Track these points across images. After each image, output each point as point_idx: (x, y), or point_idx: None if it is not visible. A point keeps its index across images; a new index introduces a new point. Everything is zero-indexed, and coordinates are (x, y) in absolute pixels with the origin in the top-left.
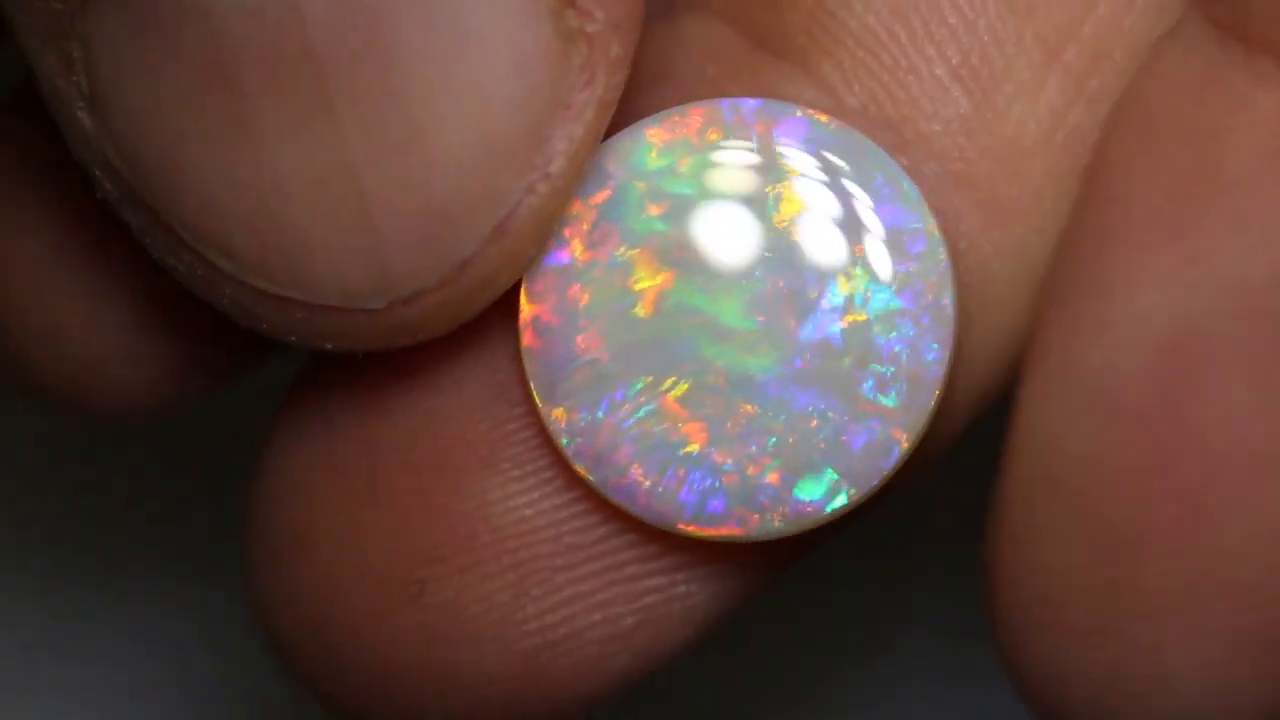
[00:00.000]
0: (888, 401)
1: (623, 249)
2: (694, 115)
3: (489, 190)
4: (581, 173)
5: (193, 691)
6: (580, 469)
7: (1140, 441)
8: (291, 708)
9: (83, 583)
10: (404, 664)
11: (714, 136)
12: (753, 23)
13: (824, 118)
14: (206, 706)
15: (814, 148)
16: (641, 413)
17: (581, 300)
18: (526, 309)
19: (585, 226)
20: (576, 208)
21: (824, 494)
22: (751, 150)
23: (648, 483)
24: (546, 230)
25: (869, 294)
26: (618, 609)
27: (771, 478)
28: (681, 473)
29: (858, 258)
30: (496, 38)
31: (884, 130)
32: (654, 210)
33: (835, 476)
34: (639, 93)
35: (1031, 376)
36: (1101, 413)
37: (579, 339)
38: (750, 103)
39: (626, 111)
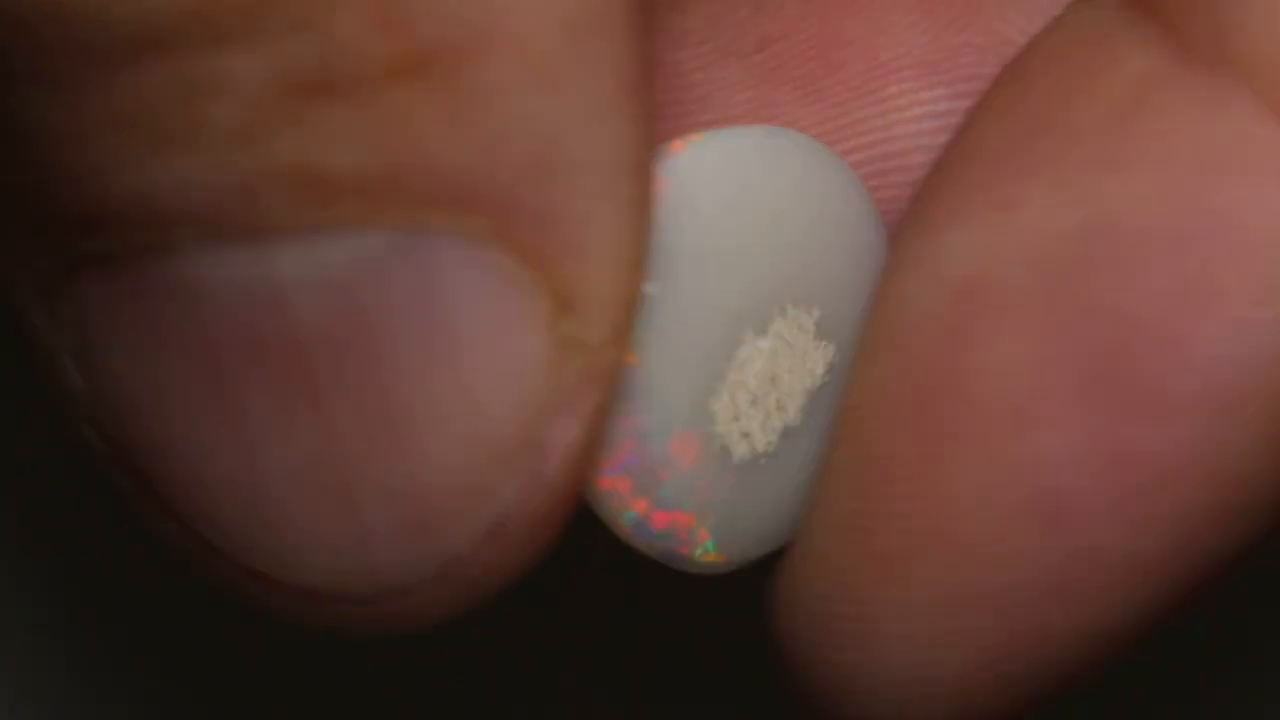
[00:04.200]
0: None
1: None
2: None
3: (480, 492)
4: (581, 478)
5: None
6: None
7: (913, 378)
8: None
9: None
10: None
11: None
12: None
13: None
14: None
15: None
16: None
17: None
18: None
19: None
20: None
21: None
22: None
23: None
24: (544, 534)
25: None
26: None
27: None
28: None
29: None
30: (492, 344)
31: None
32: None
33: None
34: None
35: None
36: (892, 345)
37: None
38: None
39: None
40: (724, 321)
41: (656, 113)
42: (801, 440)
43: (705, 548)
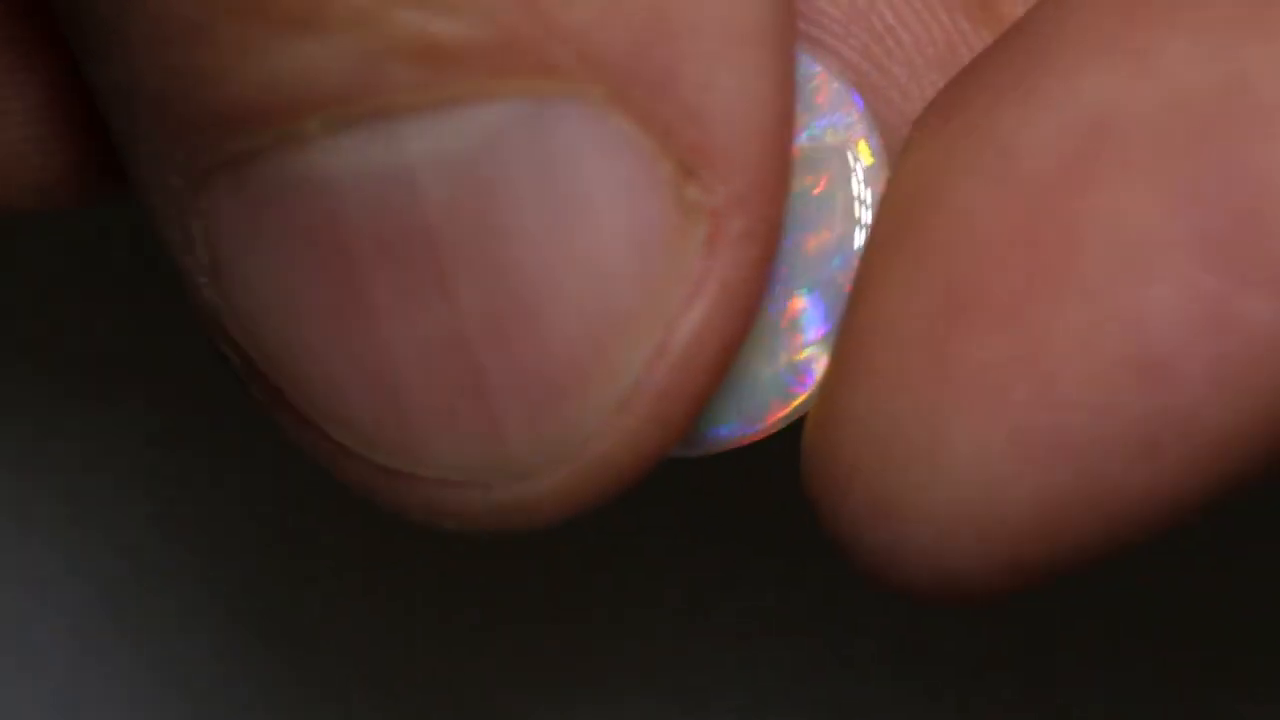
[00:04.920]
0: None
1: None
2: None
3: (605, 366)
4: (718, 357)
5: None
6: None
7: (1020, 208)
8: None
9: None
10: None
11: None
12: None
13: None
14: None
15: None
16: None
17: None
18: None
19: None
20: None
21: None
22: None
23: None
24: (672, 415)
25: None
26: None
27: None
28: None
29: None
30: (615, 211)
31: None
32: None
33: None
34: None
35: (929, 130)
36: (995, 173)
37: None
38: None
39: None
40: None
41: None
42: None
43: None
